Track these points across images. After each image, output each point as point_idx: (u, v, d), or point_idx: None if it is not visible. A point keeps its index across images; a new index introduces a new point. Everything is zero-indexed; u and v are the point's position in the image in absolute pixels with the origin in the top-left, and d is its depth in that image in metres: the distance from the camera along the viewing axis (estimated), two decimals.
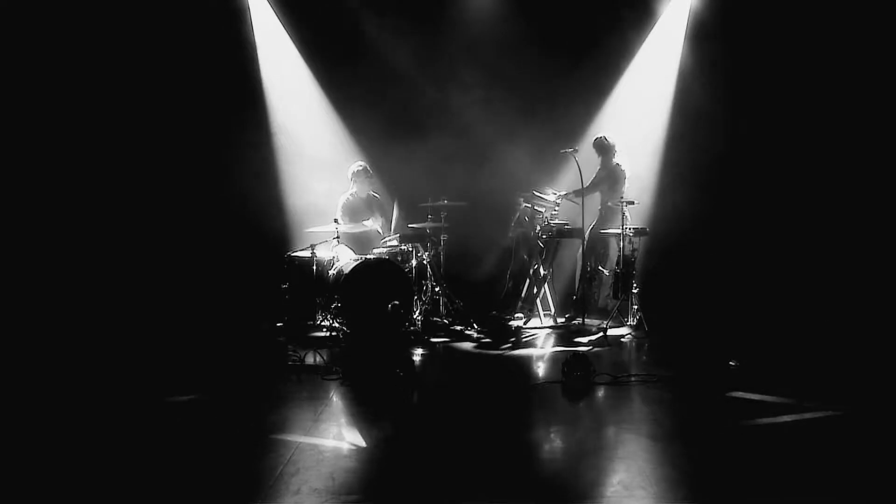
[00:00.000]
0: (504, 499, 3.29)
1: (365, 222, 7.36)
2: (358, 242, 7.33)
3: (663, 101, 8.13)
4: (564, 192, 7.34)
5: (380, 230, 7.42)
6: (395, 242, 7.19)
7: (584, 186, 7.04)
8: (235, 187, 7.69)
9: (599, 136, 7.43)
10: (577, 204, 7.12)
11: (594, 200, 7.45)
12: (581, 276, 7.35)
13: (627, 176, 7.30)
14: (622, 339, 6.64)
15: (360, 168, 7.45)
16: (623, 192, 7.16)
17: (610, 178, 7.29)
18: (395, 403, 4.80)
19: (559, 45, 8.17)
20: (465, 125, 8.23)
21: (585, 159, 7.22)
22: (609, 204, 7.20)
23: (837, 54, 7.43)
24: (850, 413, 4.38)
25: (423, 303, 7.19)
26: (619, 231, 6.80)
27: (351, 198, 7.43)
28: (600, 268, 7.30)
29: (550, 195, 7.30)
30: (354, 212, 7.38)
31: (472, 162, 8.25)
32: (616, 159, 7.33)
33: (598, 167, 7.39)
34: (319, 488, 3.29)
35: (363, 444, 3.90)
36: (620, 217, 6.81)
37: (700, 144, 7.78)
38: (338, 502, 3.17)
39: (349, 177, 7.43)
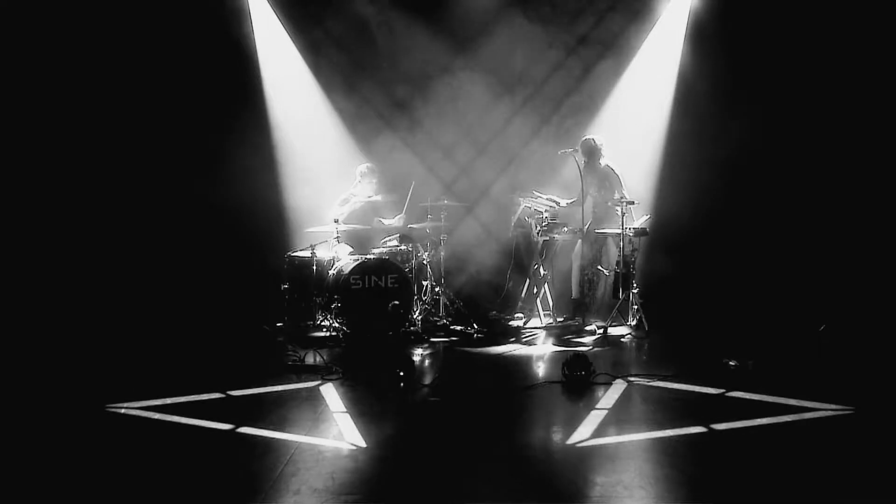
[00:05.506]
0: (504, 499, 3.29)
1: (386, 220, 7.36)
2: (358, 242, 7.32)
3: (663, 100, 8.12)
4: (566, 203, 7.32)
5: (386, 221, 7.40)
6: (395, 242, 7.19)
7: (582, 193, 7.07)
8: (235, 187, 7.68)
9: (586, 137, 7.36)
10: (575, 206, 7.13)
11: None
12: (579, 276, 7.34)
13: (620, 173, 7.24)
14: (622, 339, 6.65)
15: (367, 169, 7.45)
16: (623, 193, 7.11)
17: (599, 179, 7.25)
18: (395, 403, 4.80)
19: (559, 44, 8.18)
20: (465, 125, 8.24)
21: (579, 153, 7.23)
22: (608, 204, 7.17)
23: (837, 53, 7.42)
24: (849, 413, 4.38)
25: (423, 303, 7.19)
26: (619, 231, 6.79)
27: (351, 198, 7.43)
28: (600, 267, 7.29)
29: (550, 199, 7.31)
30: (352, 212, 7.37)
31: (472, 162, 8.27)
32: (604, 160, 7.27)
33: (585, 170, 7.32)
34: (319, 488, 3.29)
35: (363, 444, 3.90)
36: (619, 217, 6.78)
37: (700, 144, 7.77)
38: (338, 502, 3.17)
39: (357, 176, 7.43)
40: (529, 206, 7.28)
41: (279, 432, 4.05)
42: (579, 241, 7.28)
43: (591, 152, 7.25)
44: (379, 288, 6.63)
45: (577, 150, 7.08)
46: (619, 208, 6.78)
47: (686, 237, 7.67)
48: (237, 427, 4.16)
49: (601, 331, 6.80)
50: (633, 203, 6.88)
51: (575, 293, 7.37)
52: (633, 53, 8.17)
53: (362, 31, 8.11)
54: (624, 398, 4.77)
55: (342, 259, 6.98)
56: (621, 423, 4.32)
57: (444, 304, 7.34)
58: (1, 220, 7.25)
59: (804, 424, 4.23)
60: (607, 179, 7.18)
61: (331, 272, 6.92)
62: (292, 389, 5.00)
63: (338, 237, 7.03)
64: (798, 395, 4.67)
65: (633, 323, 6.78)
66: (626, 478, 3.43)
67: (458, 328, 7.02)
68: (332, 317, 6.69)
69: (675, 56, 8.05)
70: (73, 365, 5.73)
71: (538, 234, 7.21)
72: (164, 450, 3.87)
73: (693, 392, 4.90)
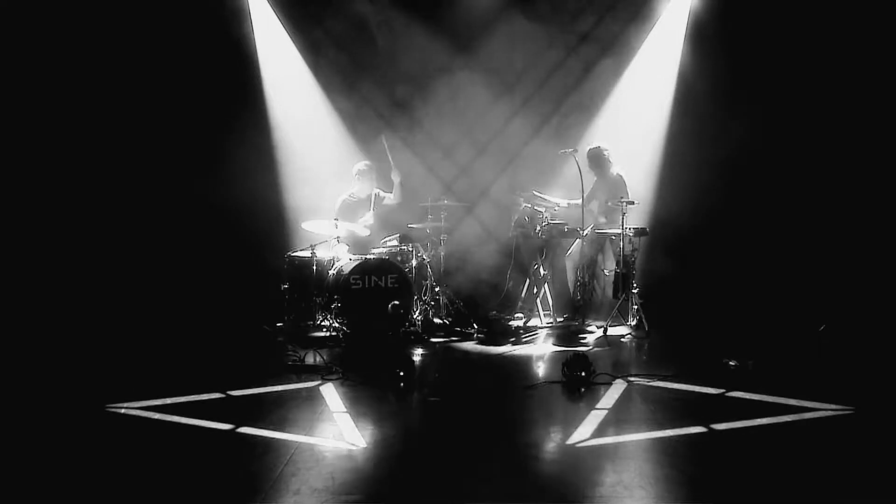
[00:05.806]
0: (504, 499, 3.29)
1: (364, 223, 7.32)
2: (357, 242, 7.31)
3: (663, 100, 8.12)
4: (567, 203, 7.32)
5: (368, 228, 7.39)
6: (395, 242, 7.18)
7: (583, 197, 7.05)
8: (235, 187, 7.68)
9: (593, 146, 7.36)
10: (577, 207, 7.13)
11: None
12: (579, 276, 7.33)
13: (627, 182, 7.23)
14: (622, 339, 6.65)
15: (365, 167, 7.44)
16: (626, 195, 7.10)
17: (607, 187, 7.23)
18: (394, 403, 4.80)
19: (559, 44, 8.18)
20: (465, 125, 8.24)
21: (584, 160, 7.22)
22: (609, 204, 7.16)
23: (837, 53, 7.42)
24: (849, 413, 4.38)
25: (423, 303, 7.19)
26: (620, 231, 6.79)
27: (350, 198, 7.42)
28: (601, 268, 7.29)
29: (551, 198, 7.31)
30: (353, 212, 7.36)
31: (472, 162, 8.26)
32: (614, 169, 7.28)
33: (595, 178, 7.33)
34: (319, 488, 3.29)
35: (363, 444, 3.90)
36: (620, 217, 6.78)
37: (700, 144, 7.78)
38: (338, 502, 3.17)
39: (354, 175, 7.42)
40: (529, 205, 7.28)
41: (279, 432, 4.05)
42: (578, 241, 7.28)
43: (601, 161, 7.25)
44: (379, 288, 6.63)
45: (576, 151, 7.08)
46: (619, 208, 6.78)
47: (686, 237, 7.67)
48: (237, 427, 4.15)
49: (601, 331, 6.81)
50: (633, 203, 6.88)
51: (574, 293, 7.37)
52: (633, 53, 8.18)
53: (362, 30, 8.12)
54: (624, 398, 4.76)
55: (342, 259, 6.98)
56: (621, 423, 4.32)
57: (444, 304, 7.34)
58: (2, 220, 7.25)
59: (804, 424, 4.23)
60: (616, 186, 7.16)
61: (331, 272, 6.92)
62: (292, 389, 4.99)
63: (338, 237, 7.03)
64: (798, 395, 4.66)
65: (633, 323, 6.78)
66: (626, 478, 3.43)
67: (458, 328, 7.03)
68: (332, 317, 6.69)
69: (675, 56, 8.06)
70: (73, 365, 5.72)
71: (538, 234, 7.21)
72: (165, 450, 3.87)
73: (693, 392, 4.90)
